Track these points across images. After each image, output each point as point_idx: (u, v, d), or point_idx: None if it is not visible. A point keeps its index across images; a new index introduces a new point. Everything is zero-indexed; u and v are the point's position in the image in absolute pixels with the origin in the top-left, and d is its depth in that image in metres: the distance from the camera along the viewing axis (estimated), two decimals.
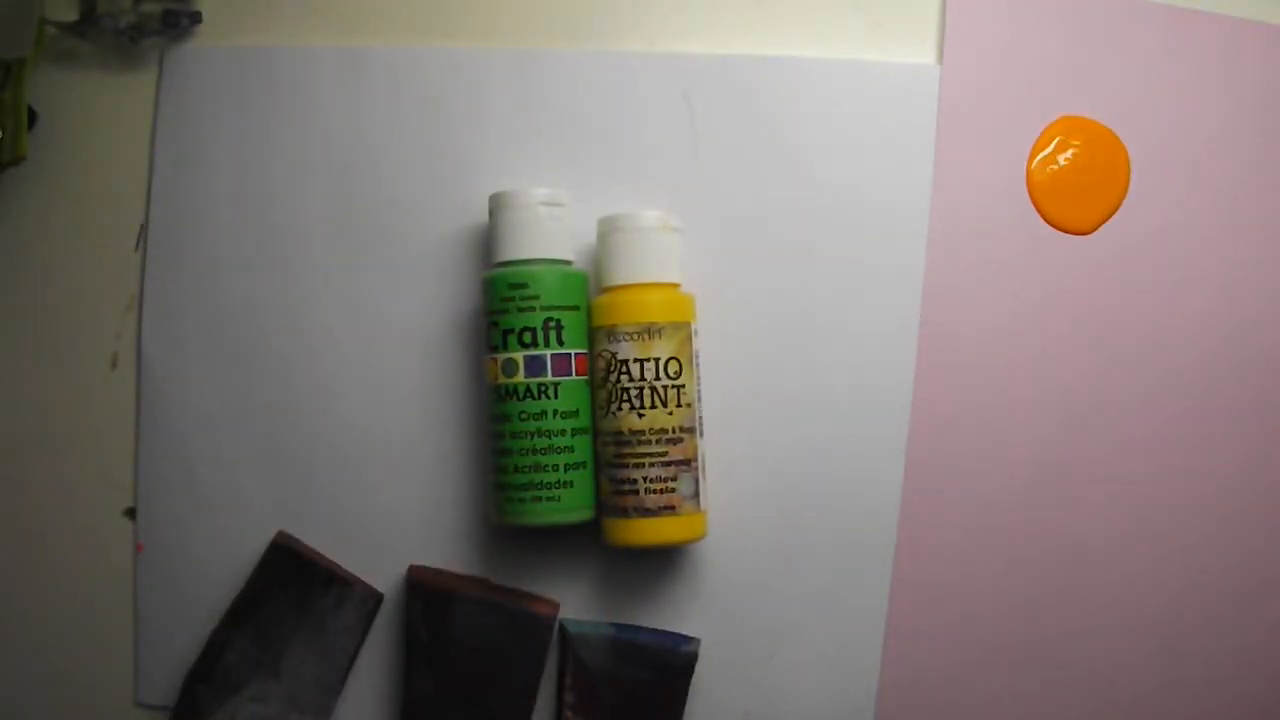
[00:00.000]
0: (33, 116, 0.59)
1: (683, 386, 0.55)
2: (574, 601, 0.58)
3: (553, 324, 0.54)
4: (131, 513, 0.59)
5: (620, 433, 0.54)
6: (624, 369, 0.54)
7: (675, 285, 0.56)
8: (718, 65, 0.60)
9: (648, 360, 0.54)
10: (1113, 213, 0.60)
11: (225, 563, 0.58)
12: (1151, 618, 0.59)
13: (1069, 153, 0.60)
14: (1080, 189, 0.60)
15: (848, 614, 0.59)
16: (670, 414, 0.54)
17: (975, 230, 0.59)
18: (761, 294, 0.59)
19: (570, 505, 0.54)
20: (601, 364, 0.55)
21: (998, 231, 0.60)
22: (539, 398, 0.54)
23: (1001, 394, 0.59)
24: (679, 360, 0.54)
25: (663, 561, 0.58)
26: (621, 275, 0.55)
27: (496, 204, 0.55)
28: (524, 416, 0.54)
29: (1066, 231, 0.60)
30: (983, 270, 0.59)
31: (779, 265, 0.59)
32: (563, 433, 0.54)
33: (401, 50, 0.60)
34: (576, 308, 0.55)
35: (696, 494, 0.55)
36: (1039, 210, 0.60)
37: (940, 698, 0.59)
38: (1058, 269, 0.60)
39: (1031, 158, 0.60)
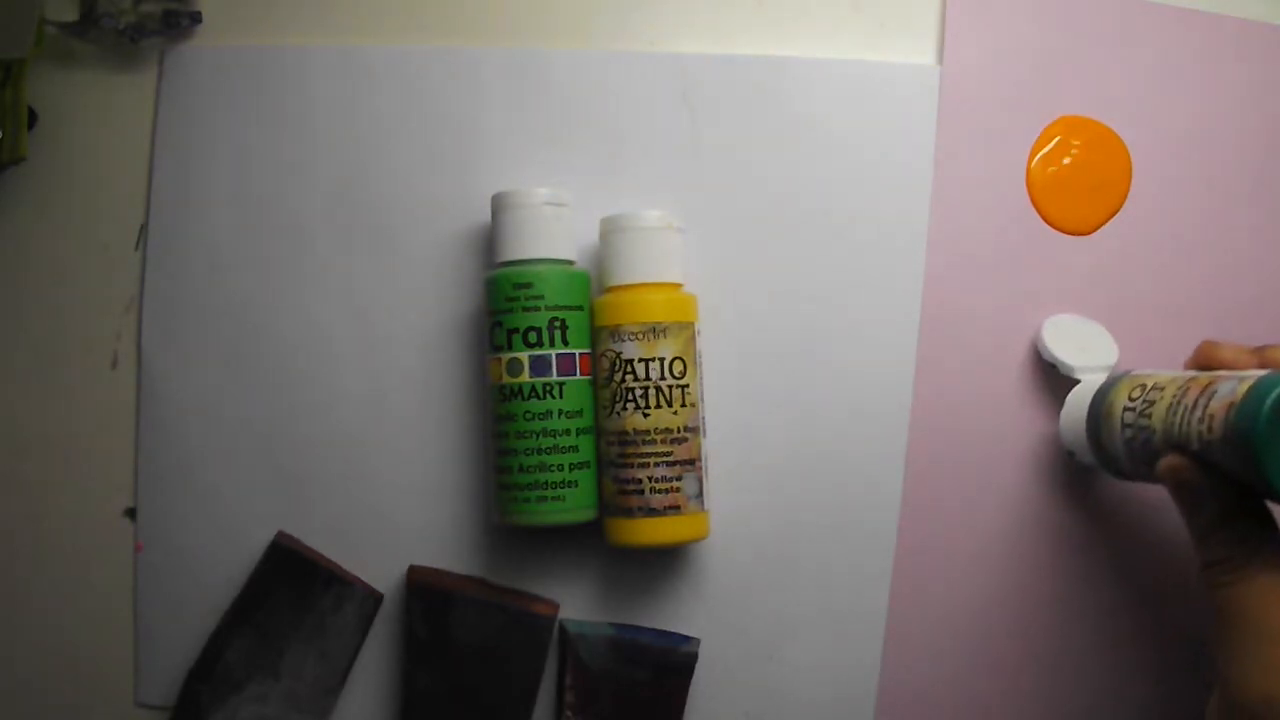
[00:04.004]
0: (33, 116, 0.59)
1: (687, 386, 0.55)
2: (574, 601, 0.58)
3: (557, 324, 0.54)
4: (131, 513, 0.59)
5: (625, 432, 0.54)
6: (629, 369, 0.54)
7: (679, 285, 0.56)
8: (718, 65, 0.60)
9: (653, 360, 0.54)
10: (1113, 213, 0.60)
11: (225, 563, 0.58)
12: (1153, 619, 0.59)
13: (1069, 153, 0.60)
14: (1080, 189, 0.60)
15: (848, 614, 0.59)
16: (675, 414, 0.54)
17: (975, 230, 0.60)
18: (761, 294, 0.59)
19: (575, 505, 0.54)
20: (606, 364, 0.55)
21: (998, 231, 0.60)
22: (544, 397, 0.54)
23: (1002, 394, 0.59)
24: (684, 360, 0.54)
25: (663, 561, 0.58)
26: (626, 275, 0.55)
27: (500, 204, 0.55)
28: (529, 416, 0.54)
29: (1066, 232, 0.60)
30: (983, 270, 0.59)
31: (779, 266, 0.59)
32: (567, 432, 0.54)
33: (401, 50, 0.60)
34: (580, 308, 0.55)
35: (700, 494, 0.55)
36: (1039, 210, 0.60)
37: (940, 698, 0.59)
38: (1058, 269, 0.60)
39: (1031, 158, 0.60)
